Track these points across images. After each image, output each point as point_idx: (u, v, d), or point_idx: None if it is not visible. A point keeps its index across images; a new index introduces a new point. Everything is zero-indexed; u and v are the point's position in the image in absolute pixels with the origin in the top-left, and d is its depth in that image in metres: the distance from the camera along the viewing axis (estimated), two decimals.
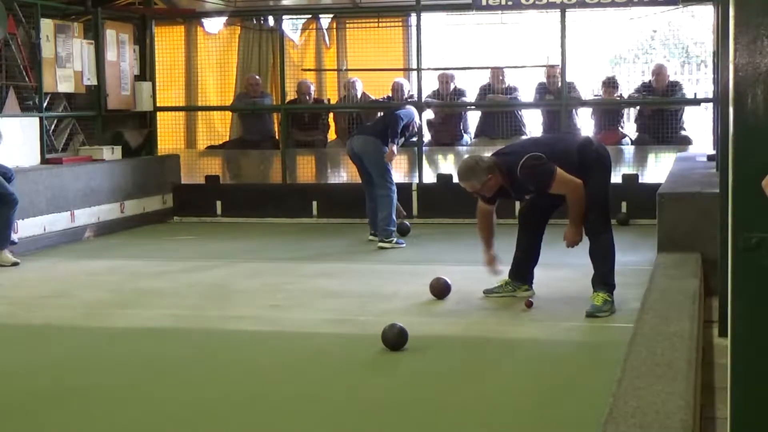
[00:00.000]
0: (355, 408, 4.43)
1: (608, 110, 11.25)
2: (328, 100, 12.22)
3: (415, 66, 11.20)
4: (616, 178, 8.96)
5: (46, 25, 10.13)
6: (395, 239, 8.96)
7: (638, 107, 11.26)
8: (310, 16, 12.24)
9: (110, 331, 5.94)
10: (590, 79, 11.83)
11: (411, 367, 5.05)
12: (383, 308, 6.35)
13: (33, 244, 8.87)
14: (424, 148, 11.17)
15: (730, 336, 2.81)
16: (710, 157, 8.65)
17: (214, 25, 12.25)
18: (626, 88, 11.50)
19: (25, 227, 8.84)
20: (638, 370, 3.53)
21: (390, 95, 11.45)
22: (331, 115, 12.09)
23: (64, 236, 9.53)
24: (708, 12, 11.04)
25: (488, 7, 10.61)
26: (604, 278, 6.11)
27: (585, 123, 11.35)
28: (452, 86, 11.40)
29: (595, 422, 3.38)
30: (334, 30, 12.24)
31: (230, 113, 12.32)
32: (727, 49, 2.93)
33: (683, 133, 11.04)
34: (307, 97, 11.73)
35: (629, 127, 11.40)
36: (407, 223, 9.65)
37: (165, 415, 4.37)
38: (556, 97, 10.93)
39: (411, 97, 11.19)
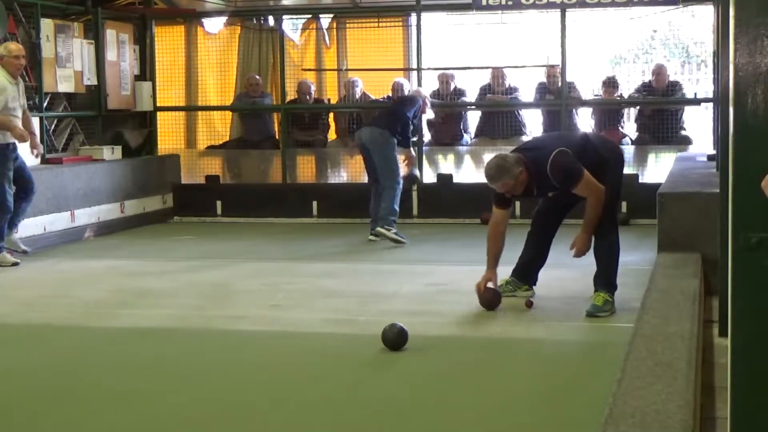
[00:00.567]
0: (355, 408, 4.43)
1: (608, 110, 11.25)
2: (329, 100, 12.22)
3: (415, 66, 11.20)
4: None
5: (46, 25, 10.13)
6: (395, 230, 8.95)
7: (638, 107, 11.26)
8: (310, 16, 12.23)
9: (110, 331, 5.94)
10: (590, 79, 11.83)
11: (411, 367, 5.05)
12: (383, 308, 6.35)
13: (33, 244, 8.86)
14: (424, 148, 11.18)
15: (730, 336, 2.82)
16: (710, 157, 8.64)
17: (215, 24, 12.25)
18: (626, 88, 11.49)
19: (25, 227, 8.83)
20: (638, 370, 3.53)
21: (390, 95, 11.45)
22: (331, 115, 12.09)
23: (64, 236, 9.53)
24: (708, 12, 11.03)
25: (488, 7, 10.61)
26: (607, 278, 6.10)
27: (585, 123, 11.35)
28: (452, 86, 11.40)
29: (595, 422, 3.38)
30: (334, 30, 12.24)
31: (230, 113, 12.32)
32: (727, 49, 2.94)
33: (683, 133, 11.04)
34: (308, 97, 11.73)
35: (629, 127, 11.39)
36: (417, 175, 9.87)
37: (165, 415, 4.36)
38: (557, 97, 10.92)
39: None
